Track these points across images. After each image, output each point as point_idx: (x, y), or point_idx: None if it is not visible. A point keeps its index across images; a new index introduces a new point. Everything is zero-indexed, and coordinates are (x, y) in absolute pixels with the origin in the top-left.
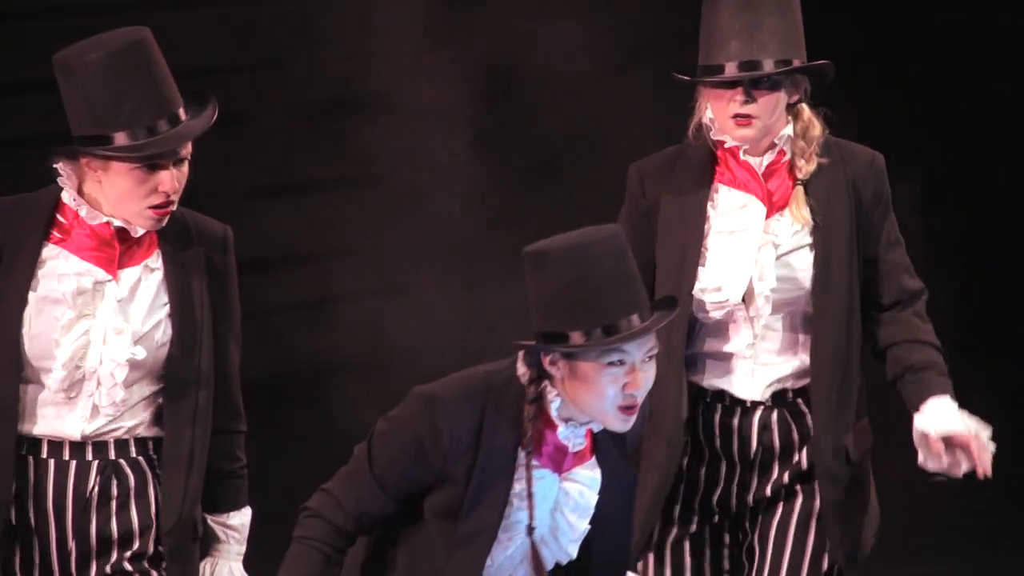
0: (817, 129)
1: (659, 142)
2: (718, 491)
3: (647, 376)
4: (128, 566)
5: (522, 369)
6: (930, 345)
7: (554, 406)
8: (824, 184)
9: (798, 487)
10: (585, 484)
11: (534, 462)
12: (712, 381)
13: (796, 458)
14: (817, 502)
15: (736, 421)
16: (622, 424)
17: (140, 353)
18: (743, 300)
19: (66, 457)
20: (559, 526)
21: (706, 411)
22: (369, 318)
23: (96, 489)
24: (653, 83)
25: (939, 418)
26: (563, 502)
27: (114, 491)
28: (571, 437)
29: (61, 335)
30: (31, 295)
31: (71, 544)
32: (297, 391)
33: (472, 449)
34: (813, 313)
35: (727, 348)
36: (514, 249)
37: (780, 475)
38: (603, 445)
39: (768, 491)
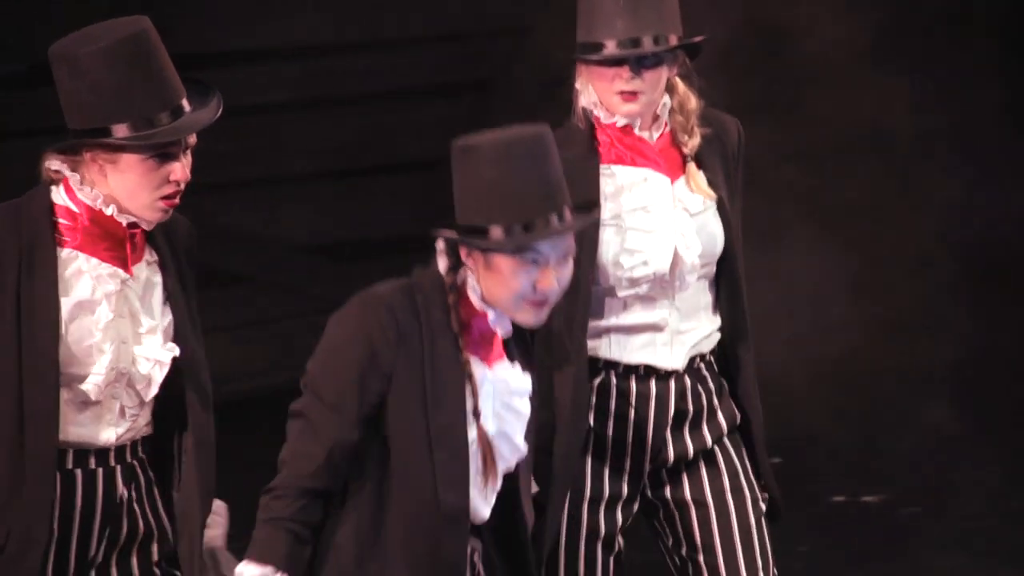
0: (693, 102)
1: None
2: (628, 457)
3: (561, 276)
4: (156, 569)
5: (442, 263)
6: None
7: (475, 295)
8: (712, 154)
9: (717, 449)
10: (512, 372)
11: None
12: (630, 354)
13: (706, 425)
14: (736, 459)
15: (653, 388)
16: (532, 318)
17: (176, 350)
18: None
19: (92, 466)
20: (504, 416)
21: (620, 381)
22: None
23: (125, 494)
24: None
25: None
26: (501, 389)
27: (133, 494)
28: (500, 323)
29: (102, 338)
30: (63, 300)
31: (93, 550)
32: None
33: (417, 335)
34: (727, 277)
35: (645, 320)
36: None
37: (697, 438)
38: (509, 349)
39: (688, 451)
